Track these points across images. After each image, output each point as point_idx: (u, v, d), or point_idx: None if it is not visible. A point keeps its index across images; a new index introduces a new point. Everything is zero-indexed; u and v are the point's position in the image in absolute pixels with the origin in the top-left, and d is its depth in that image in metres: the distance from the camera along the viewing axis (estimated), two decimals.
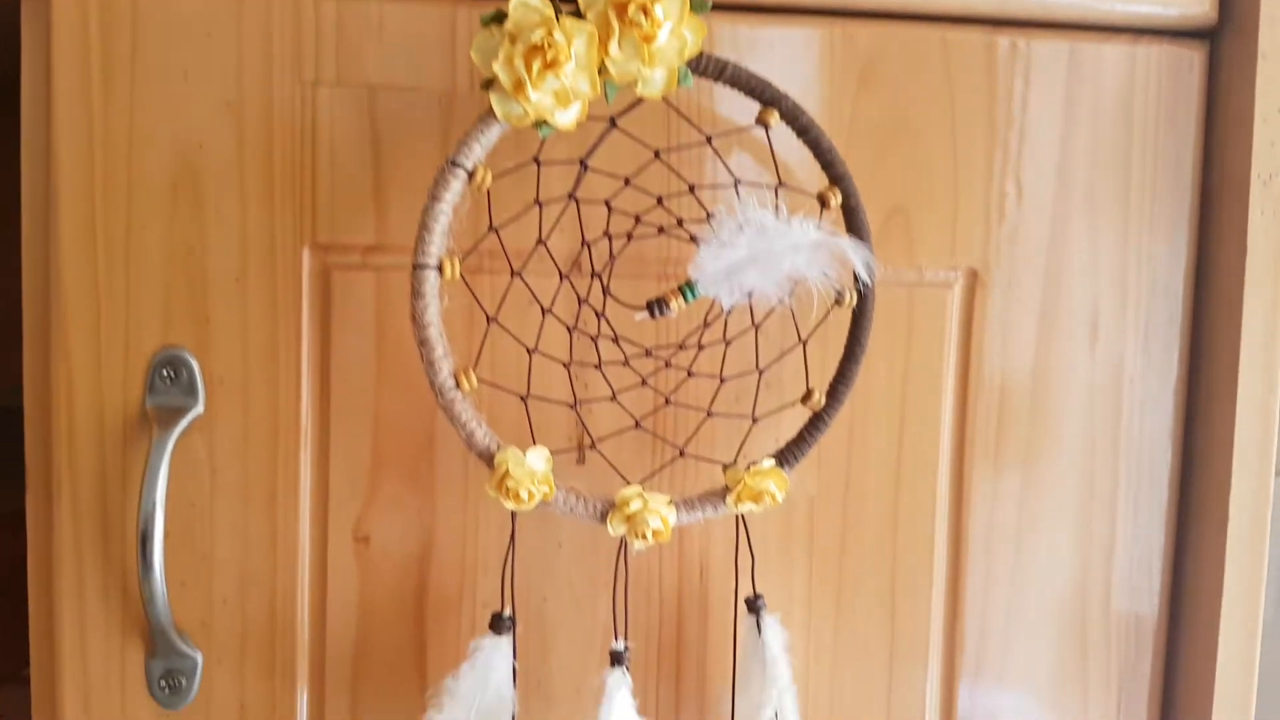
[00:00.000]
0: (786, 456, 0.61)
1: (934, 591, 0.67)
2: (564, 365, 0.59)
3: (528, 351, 0.58)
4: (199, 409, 0.62)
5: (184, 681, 0.64)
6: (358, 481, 0.64)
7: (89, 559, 0.62)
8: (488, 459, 0.57)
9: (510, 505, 0.57)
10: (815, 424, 0.61)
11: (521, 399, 0.58)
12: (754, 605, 0.63)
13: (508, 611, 0.60)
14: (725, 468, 0.61)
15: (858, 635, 0.67)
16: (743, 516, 0.63)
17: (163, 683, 0.63)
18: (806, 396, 0.61)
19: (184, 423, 0.62)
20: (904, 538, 0.67)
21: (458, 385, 0.56)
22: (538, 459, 0.57)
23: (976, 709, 0.68)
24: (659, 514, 0.58)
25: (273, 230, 0.62)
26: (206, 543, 0.63)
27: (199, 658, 0.64)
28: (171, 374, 0.62)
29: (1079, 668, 0.69)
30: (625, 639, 0.60)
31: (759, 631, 0.62)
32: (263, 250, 0.62)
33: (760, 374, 0.61)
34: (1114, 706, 0.69)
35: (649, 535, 0.58)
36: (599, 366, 0.59)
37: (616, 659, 0.59)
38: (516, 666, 0.60)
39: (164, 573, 0.60)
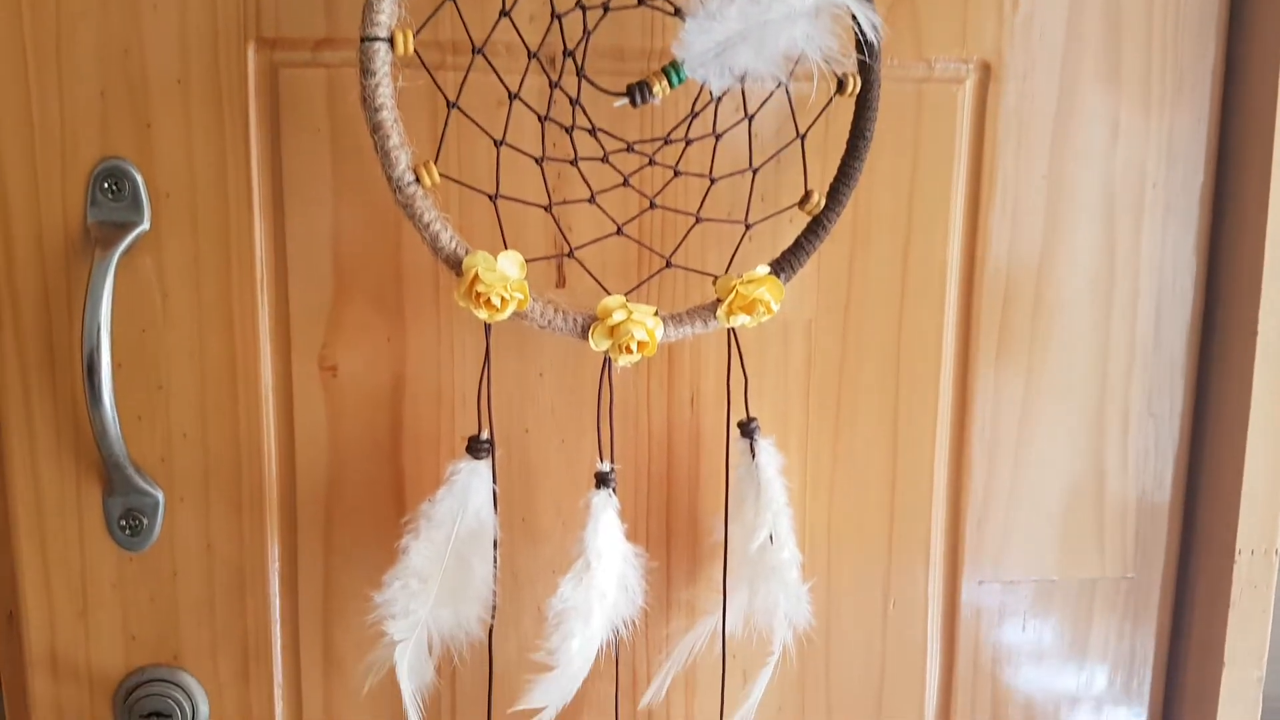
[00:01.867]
0: (783, 265, 0.56)
1: (939, 420, 0.63)
2: (536, 161, 0.53)
3: (495, 144, 0.53)
4: (144, 225, 0.57)
5: (145, 521, 0.60)
6: (320, 305, 0.59)
7: (36, 392, 0.58)
8: (455, 265, 0.52)
9: (482, 315, 0.52)
10: (814, 229, 0.56)
11: (491, 199, 0.53)
12: (747, 428, 0.59)
13: (485, 434, 0.56)
14: (715, 280, 0.56)
15: (857, 464, 0.63)
16: (735, 335, 0.58)
17: (122, 523, 0.60)
18: (805, 199, 0.56)
19: (129, 240, 0.57)
20: (908, 361, 0.63)
21: (418, 180, 0.51)
22: (510, 264, 0.52)
23: (985, 541, 0.65)
24: (644, 325, 0.54)
25: (215, 26, 0.56)
26: (161, 372, 0.59)
27: (159, 496, 0.60)
28: (114, 187, 0.57)
29: (1095, 492, 0.65)
30: (611, 461, 0.56)
31: (752, 455, 0.58)
32: (204, 48, 0.56)
33: (754, 173, 0.56)
34: (1131, 540, 0.66)
35: (634, 348, 0.54)
36: (575, 163, 0.54)
37: (602, 480, 0.56)
38: (497, 491, 0.56)
39: (115, 404, 0.56)
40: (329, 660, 0.62)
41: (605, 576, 0.54)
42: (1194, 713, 0.67)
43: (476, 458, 0.56)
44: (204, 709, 0.62)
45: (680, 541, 0.63)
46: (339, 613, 0.62)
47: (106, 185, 0.57)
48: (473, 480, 0.55)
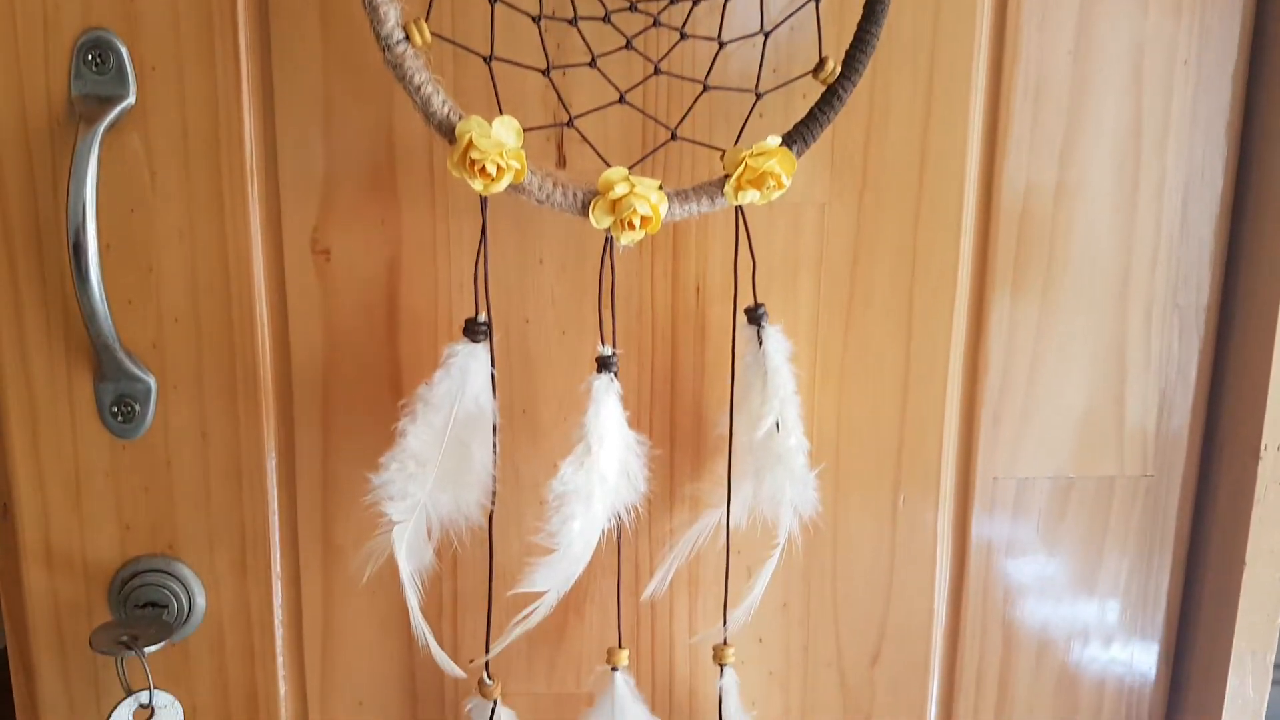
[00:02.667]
0: (794, 137, 0.53)
1: (956, 310, 0.61)
2: (533, 19, 0.51)
3: (489, 1, 0.50)
4: (130, 99, 0.55)
5: (137, 408, 0.59)
6: (311, 186, 0.57)
7: (24, 275, 0.57)
8: (448, 131, 0.50)
9: (477, 185, 0.50)
10: (828, 99, 0.53)
11: (485, 60, 0.51)
12: (754, 315, 0.57)
13: (482, 317, 0.54)
14: (723, 154, 0.53)
15: (869, 354, 0.61)
16: (743, 216, 0.56)
17: (114, 410, 0.58)
18: (819, 67, 0.53)
19: (114, 114, 0.55)
20: (925, 248, 0.60)
21: (407, 38, 0.48)
22: (506, 130, 0.50)
23: (1000, 436, 0.63)
24: (647, 199, 0.51)
25: None
26: (151, 254, 0.57)
27: (151, 382, 0.58)
28: (98, 59, 0.55)
29: (1115, 386, 0.63)
30: (613, 345, 0.54)
31: (759, 342, 0.56)
32: None
33: (765, 37, 0.54)
34: (1152, 437, 0.64)
35: (636, 224, 0.52)
36: (574, 22, 0.51)
37: (604, 365, 0.54)
38: (495, 376, 0.55)
39: (104, 286, 0.55)
40: (328, 550, 0.61)
41: (607, 461, 0.52)
42: (1213, 613, 0.65)
43: (474, 340, 0.54)
44: (200, 601, 0.61)
45: (684, 434, 0.61)
46: (337, 502, 0.61)
47: (90, 57, 0.55)
48: (470, 363, 0.53)
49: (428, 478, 0.53)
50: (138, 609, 0.60)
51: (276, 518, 0.61)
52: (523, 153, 0.50)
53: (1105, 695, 0.68)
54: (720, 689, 0.60)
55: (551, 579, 0.53)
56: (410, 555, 0.53)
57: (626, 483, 0.54)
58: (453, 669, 0.58)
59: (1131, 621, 0.66)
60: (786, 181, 0.53)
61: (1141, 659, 0.67)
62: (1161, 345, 0.63)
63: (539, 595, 0.54)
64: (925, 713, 0.67)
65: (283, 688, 0.62)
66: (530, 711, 0.63)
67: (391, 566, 0.59)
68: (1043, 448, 0.63)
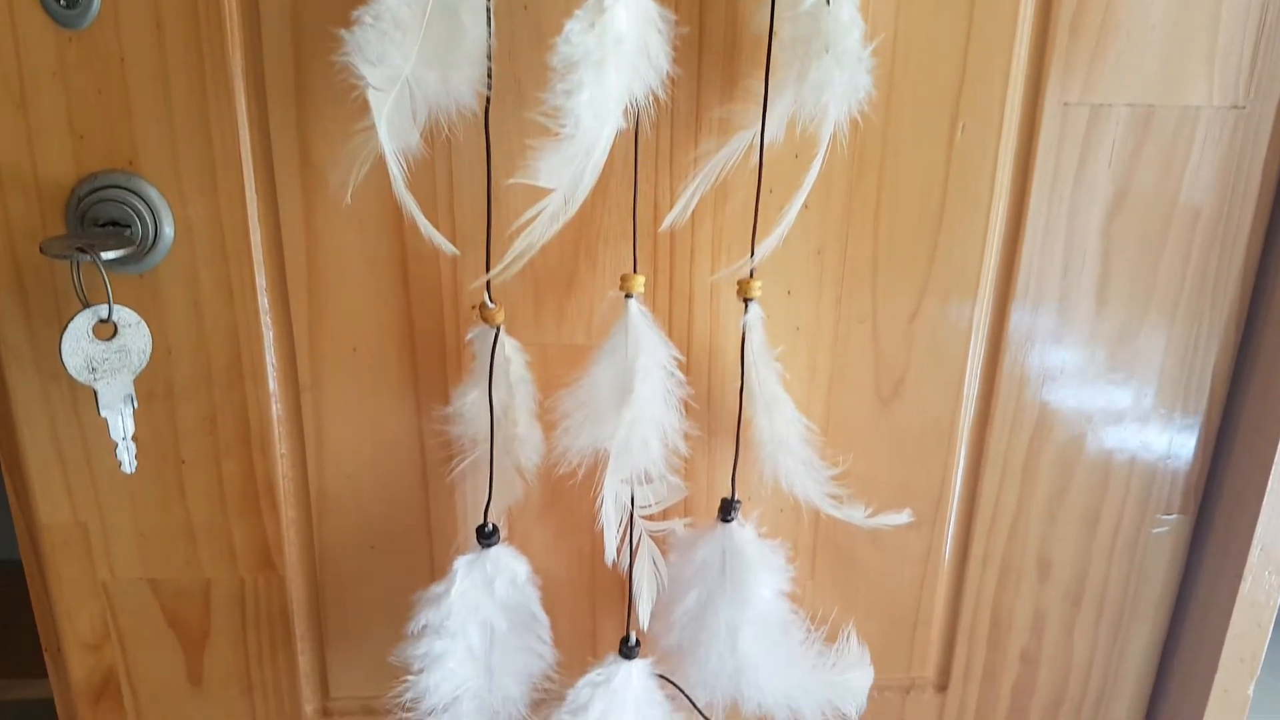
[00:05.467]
0: None
1: None
2: None
3: None
4: None
5: None
6: None
7: None
8: None
9: None
10: None
11: None
12: None
13: None
14: None
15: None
16: None
17: None
18: None
19: None
20: None
21: None
22: None
23: (1075, 55, 0.55)
24: None
25: None
26: None
27: None
28: None
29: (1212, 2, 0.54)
30: None
31: None
32: None
33: None
34: (1247, 65, 0.55)
35: None
36: None
37: None
38: None
39: None
40: (306, 168, 0.54)
41: (625, 24, 0.44)
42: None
43: None
44: (169, 229, 0.55)
45: (714, 46, 0.53)
46: (314, 116, 0.53)
47: None
48: None
49: (410, 47, 0.45)
50: (98, 228, 0.54)
51: (246, 131, 0.54)
52: None
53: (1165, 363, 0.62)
54: (744, 325, 0.54)
55: (559, 172, 0.46)
56: (393, 133, 0.46)
57: (646, 62, 0.47)
58: (444, 243, 0.51)
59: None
60: None
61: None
62: None
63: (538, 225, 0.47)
64: (963, 376, 0.61)
65: (268, 330, 0.57)
66: (538, 363, 0.58)
67: (378, 191, 0.52)
68: (1122, 69, 0.55)
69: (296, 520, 0.61)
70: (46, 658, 0.64)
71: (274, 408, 0.58)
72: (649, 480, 0.56)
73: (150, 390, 0.57)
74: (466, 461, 0.58)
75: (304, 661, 0.64)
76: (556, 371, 0.58)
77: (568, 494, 0.61)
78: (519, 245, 0.48)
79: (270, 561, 0.61)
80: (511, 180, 0.46)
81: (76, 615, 0.62)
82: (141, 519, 0.60)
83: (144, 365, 0.53)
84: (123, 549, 0.60)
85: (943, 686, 0.69)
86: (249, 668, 0.64)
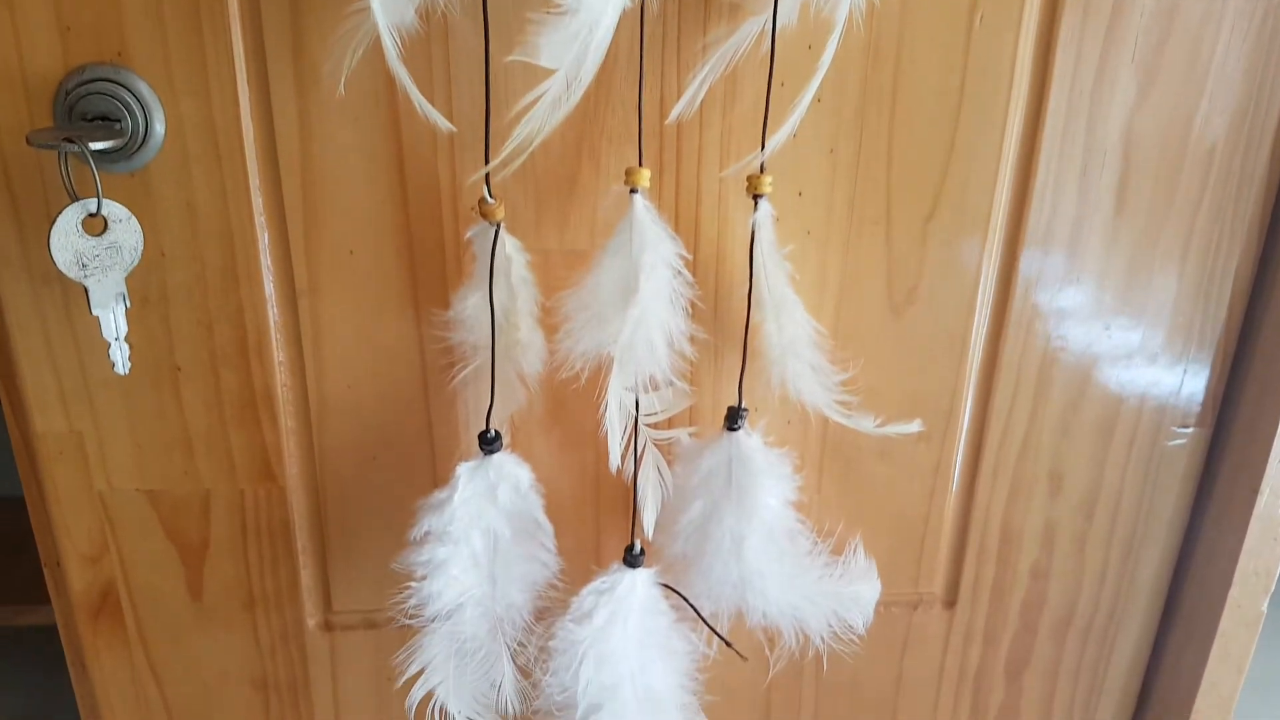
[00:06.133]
0: None
1: None
2: None
3: None
4: None
5: None
6: None
7: None
8: None
9: None
10: None
11: None
12: None
13: None
14: None
15: None
16: None
17: None
18: None
19: None
20: None
21: None
22: None
23: None
24: None
25: None
26: None
27: None
28: None
29: None
30: None
31: None
32: None
33: None
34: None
35: None
36: None
37: None
38: None
39: None
40: (300, 60, 0.52)
41: None
42: None
43: None
44: (159, 126, 0.53)
45: None
46: (307, 4, 0.51)
47: None
48: None
49: None
50: (86, 122, 0.52)
51: (238, 23, 0.52)
52: None
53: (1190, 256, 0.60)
54: (753, 223, 0.53)
55: (561, 50, 0.44)
56: (386, 10, 0.44)
57: None
58: (440, 119, 0.49)
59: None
60: None
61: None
62: None
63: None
64: (978, 282, 0.60)
65: (263, 231, 0.55)
66: (540, 269, 0.57)
67: (373, 86, 0.50)
68: None
69: (296, 430, 0.60)
70: (46, 573, 0.63)
71: (270, 313, 0.57)
72: (654, 387, 0.55)
73: (144, 295, 0.56)
74: (468, 369, 0.56)
75: (306, 575, 0.64)
76: (559, 276, 0.57)
77: (571, 402, 0.60)
78: (519, 133, 0.47)
79: (270, 472, 0.60)
80: (511, 57, 0.45)
81: (74, 528, 0.61)
82: (138, 428, 0.59)
83: (135, 263, 0.52)
84: (119, 459, 0.59)
85: (951, 602, 0.69)
86: (250, 581, 0.63)
